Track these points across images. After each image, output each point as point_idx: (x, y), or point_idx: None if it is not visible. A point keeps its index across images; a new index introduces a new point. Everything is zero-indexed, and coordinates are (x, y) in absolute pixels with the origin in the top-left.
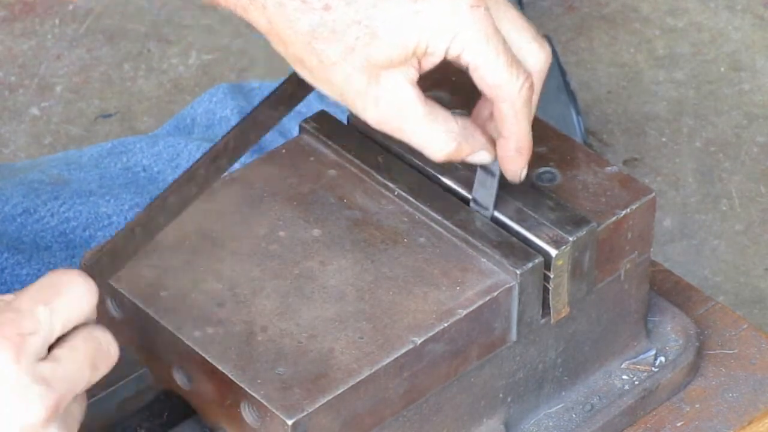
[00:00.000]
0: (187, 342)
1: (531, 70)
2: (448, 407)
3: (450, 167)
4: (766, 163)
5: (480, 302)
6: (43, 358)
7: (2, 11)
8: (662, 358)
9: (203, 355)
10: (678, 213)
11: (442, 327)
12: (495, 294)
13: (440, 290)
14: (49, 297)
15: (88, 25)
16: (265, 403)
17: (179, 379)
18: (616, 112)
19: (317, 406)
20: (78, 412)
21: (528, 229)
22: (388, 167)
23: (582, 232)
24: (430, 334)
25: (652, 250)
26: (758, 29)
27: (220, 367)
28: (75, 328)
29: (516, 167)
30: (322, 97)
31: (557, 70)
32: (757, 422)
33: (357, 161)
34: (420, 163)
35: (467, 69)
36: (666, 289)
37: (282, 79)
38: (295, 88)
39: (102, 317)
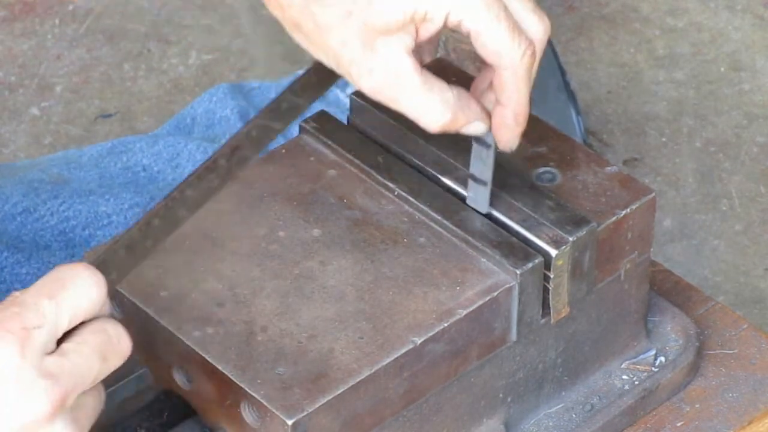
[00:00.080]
0: (187, 342)
1: (532, 39)
2: (448, 407)
3: (450, 167)
4: (766, 163)
5: (480, 302)
6: (51, 353)
7: (2, 11)
8: (662, 358)
9: (203, 355)
10: (678, 213)
11: (442, 327)
12: (495, 294)
13: (440, 290)
14: (54, 290)
15: (88, 25)
16: (265, 403)
17: (179, 379)
18: (616, 112)
19: (317, 406)
20: (91, 406)
21: (528, 229)
22: (388, 167)
23: (582, 232)
24: (430, 334)
25: (652, 250)
26: (758, 29)
27: (220, 367)
28: (84, 322)
29: (511, 136)
30: (322, 97)
31: (557, 70)
32: (757, 422)
33: (357, 161)
34: (420, 163)
35: (468, 36)
36: (666, 289)
37: (282, 79)
38: (319, 77)
39: None
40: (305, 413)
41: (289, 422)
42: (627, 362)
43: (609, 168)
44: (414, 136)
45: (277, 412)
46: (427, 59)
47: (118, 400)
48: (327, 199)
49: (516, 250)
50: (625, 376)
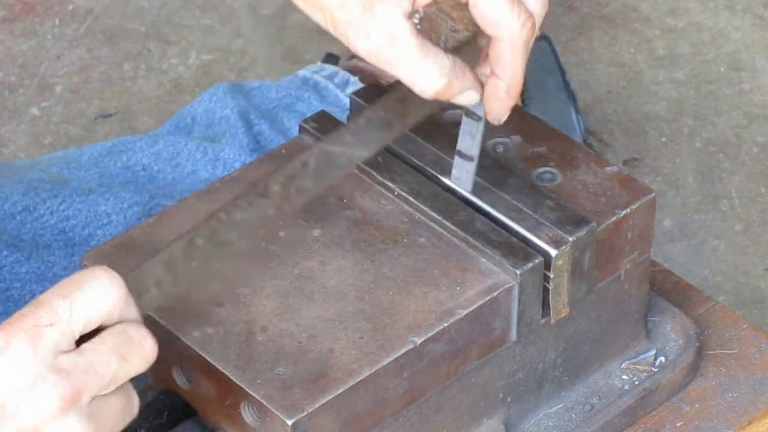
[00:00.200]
0: (187, 342)
1: (531, 12)
2: (448, 407)
3: (450, 167)
4: (766, 163)
5: (480, 302)
6: (67, 352)
7: (2, 11)
8: (662, 358)
9: (203, 355)
10: (678, 213)
11: (442, 327)
12: (495, 294)
13: (440, 290)
14: (69, 291)
15: (88, 25)
16: (265, 403)
17: (179, 379)
18: (616, 112)
19: (317, 406)
20: (116, 407)
21: (528, 229)
22: (388, 167)
23: (582, 232)
24: (430, 334)
25: (652, 250)
26: (758, 29)
27: (220, 367)
28: (107, 326)
29: (501, 108)
30: (322, 97)
31: (557, 70)
32: (757, 422)
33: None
34: (420, 163)
35: (467, 4)
36: (666, 289)
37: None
38: (386, 108)
39: None
40: (305, 413)
41: (289, 422)
42: (627, 362)
43: (609, 168)
44: (414, 136)
45: (277, 412)
46: None
47: None
48: (327, 199)
49: (516, 250)
50: (625, 376)
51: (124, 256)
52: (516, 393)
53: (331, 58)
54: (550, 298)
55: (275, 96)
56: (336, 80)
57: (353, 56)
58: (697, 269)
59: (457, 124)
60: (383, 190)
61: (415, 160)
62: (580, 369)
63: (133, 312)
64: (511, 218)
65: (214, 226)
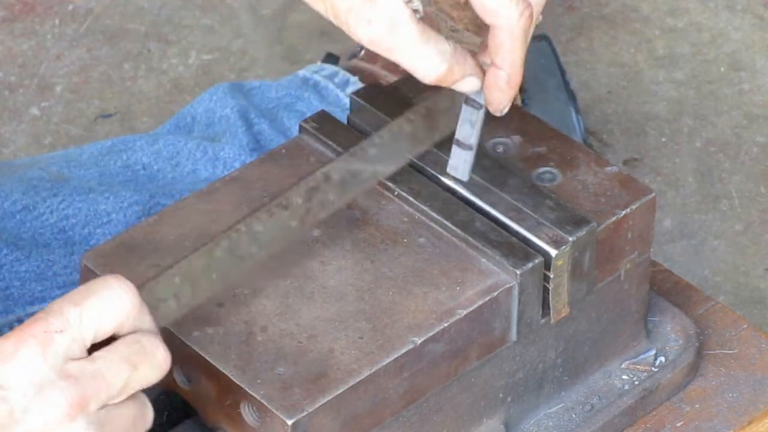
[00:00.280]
0: (187, 342)
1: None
2: (448, 407)
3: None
4: (766, 163)
5: (480, 302)
6: (77, 359)
7: (2, 11)
8: (662, 358)
9: (203, 355)
10: (678, 213)
11: (442, 327)
12: (495, 294)
13: (440, 290)
14: (80, 298)
15: (88, 25)
16: (265, 403)
17: (179, 379)
18: (616, 112)
19: (317, 406)
20: (128, 416)
21: (528, 229)
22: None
23: (582, 232)
24: (430, 334)
25: (652, 250)
26: (758, 29)
27: (220, 367)
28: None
29: (502, 98)
30: (322, 97)
31: (557, 70)
32: (757, 422)
33: None
34: (420, 163)
35: None
36: (666, 289)
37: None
38: (414, 125)
39: None
40: (305, 413)
41: (289, 422)
42: (627, 362)
43: (609, 168)
44: None
45: (277, 412)
46: None
47: None
48: None
49: (516, 250)
50: (625, 376)
51: (124, 256)
52: (516, 393)
53: (331, 58)
54: (550, 298)
55: (275, 96)
56: (336, 80)
57: (353, 56)
58: (697, 269)
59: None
60: (383, 190)
61: (415, 160)
62: (580, 369)
63: (146, 322)
64: (511, 218)
65: (234, 238)
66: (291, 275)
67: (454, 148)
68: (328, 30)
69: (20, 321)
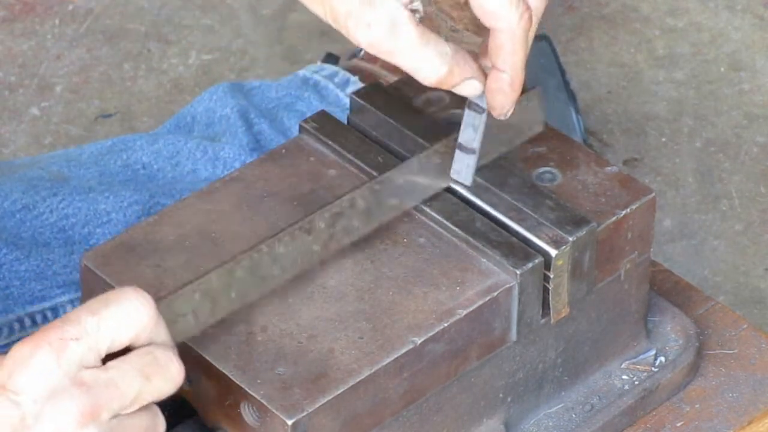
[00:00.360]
0: (187, 342)
1: (529, 4)
2: (448, 407)
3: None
4: (766, 163)
5: (480, 302)
6: (91, 367)
7: (2, 11)
8: (662, 358)
9: (203, 355)
10: (678, 213)
11: (442, 327)
12: (495, 294)
13: (440, 290)
14: (98, 308)
15: (88, 25)
16: (265, 403)
17: None
18: (616, 112)
19: (317, 406)
20: (140, 428)
21: (528, 229)
22: (388, 167)
23: (582, 232)
24: (430, 334)
25: (652, 250)
26: (758, 29)
27: (220, 367)
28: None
29: (505, 101)
30: (322, 97)
31: (557, 70)
32: (757, 422)
33: (357, 161)
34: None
35: None
36: (666, 289)
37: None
38: (442, 156)
39: None
40: (305, 413)
41: (289, 422)
42: (627, 362)
43: (609, 168)
44: (414, 136)
45: (277, 412)
46: None
47: None
48: (327, 199)
49: (516, 250)
50: (625, 376)
51: (124, 256)
52: (516, 393)
53: (331, 58)
54: (550, 298)
55: (275, 95)
56: (336, 80)
57: (353, 56)
58: (697, 269)
59: (457, 124)
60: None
61: None
62: (580, 369)
63: (162, 335)
64: (511, 218)
65: (255, 258)
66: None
67: (457, 153)
68: (328, 30)
69: (20, 320)
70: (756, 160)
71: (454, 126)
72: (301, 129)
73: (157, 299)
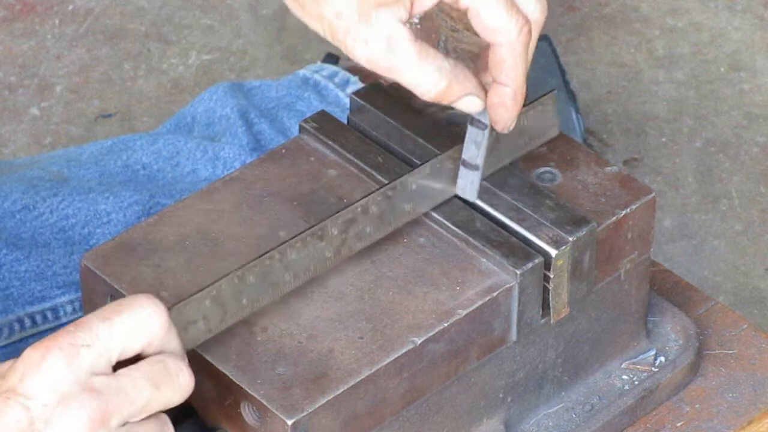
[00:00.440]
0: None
1: (529, 18)
2: (448, 407)
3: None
4: (766, 163)
5: (480, 302)
6: (101, 374)
7: (2, 11)
8: (662, 358)
9: (203, 355)
10: (678, 213)
11: (442, 327)
12: (495, 294)
13: (440, 290)
14: (110, 314)
15: (88, 25)
16: (265, 403)
17: None
18: (616, 112)
19: (317, 406)
20: None
21: (528, 229)
22: (388, 167)
23: (582, 232)
24: (430, 334)
25: (652, 250)
26: (758, 29)
27: (220, 367)
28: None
29: (507, 115)
30: (322, 97)
31: (557, 70)
32: (757, 422)
33: (357, 161)
34: (420, 163)
35: (467, 12)
36: (666, 289)
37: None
38: (454, 161)
39: None
40: (305, 413)
41: (289, 422)
42: (627, 362)
43: (609, 168)
44: (414, 136)
45: (277, 412)
46: None
47: None
48: (327, 199)
49: (516, 250)
50: (625, 376)
51: (124, 256)
52: (516, 393)
53: (331, 58)
54: (550, 298)
55: (275, 95)
56: (336, 80)
57: None
58: (697, 269)
59: (457, 123)
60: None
61: (415, 160)
62: (580, 369)
63: (174, 343)
64: (511, 218)
65: (267, 265)
66: None
67: (462, 169)
68: None
69: (20, 321)
70: (756, 160)
71: (453, 125)
72: (301, 129)
73: (169, 306)
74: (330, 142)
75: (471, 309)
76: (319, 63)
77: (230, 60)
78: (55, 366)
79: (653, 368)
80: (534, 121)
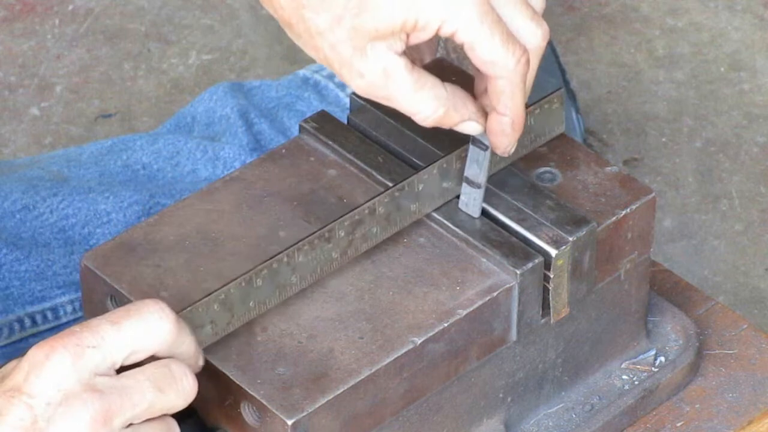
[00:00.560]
0: None
1: (527, 47)
2: (448, 407)
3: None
4: (766, 163)
5: (480, 302)
6: (105, 375)
7: (2, 11)
8: (662, 358)
9: (203, 355)
10: (678, 213)
11: (442, 327)
12: (495, 294)
13: (440, 290)
14: (118, 318)
15: (88, 25)
16: (265, 403)
17: None
18: (616, 112)
19: (317, 406)
20: None
21: (528, 229)
22: (388, 167)
23: (582, 232)
24: (430, 334)
25: (652, 250)
26: (758, 29)
27: (220, 367)
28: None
29: (507, 142)
30: (322, 97)
31: (557, 70)
32: (757, 422)
33: (357, 161)
34: (420, 163)
35: (462, 47)
36: (666, 289)
37: (282, 78)
38: (463, 162)
39: None
40: (305, 413)
41: (289, 422)
42: (627, 362)
43: (609, 168)
44: (414, 136)
45: (277, 412)
46: (428, 59)
47: None
48: (327, 199)
49: (516, 250)
50: (625, 376)
51: (124, 256)
52: (516, 393)
53: None
54: (550, 298)
55: (275, 95)
56: (336, 80)
57: None
58: (697, 269)
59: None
60: (383, 190)
61: (415, 160)
62: (580, 369)
63: (186, 345)
64: (511, 218)
65: (275, 268)
66: None
67: (464, 186)
68: None
69: (20, 321)
70: (756, 160)
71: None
72: (301, 129)
73: (177, 311)
74: (330, 142)
75: (471, 309)
76: (319, 63)
77: (230, 60)
78: (60, 365)
79: (653, 368)
80: (541, 120)
